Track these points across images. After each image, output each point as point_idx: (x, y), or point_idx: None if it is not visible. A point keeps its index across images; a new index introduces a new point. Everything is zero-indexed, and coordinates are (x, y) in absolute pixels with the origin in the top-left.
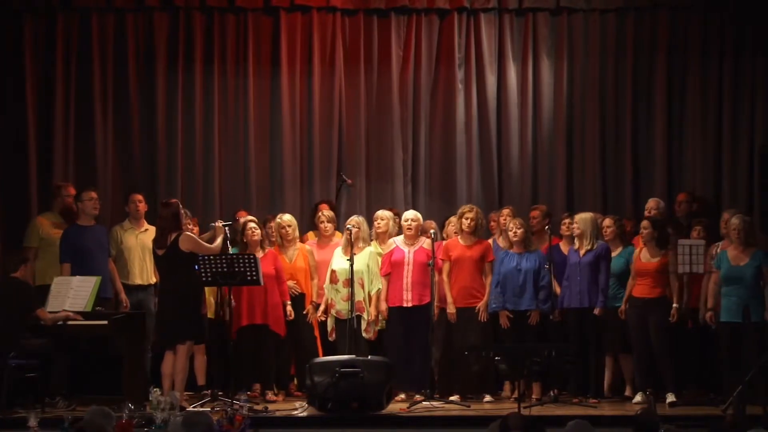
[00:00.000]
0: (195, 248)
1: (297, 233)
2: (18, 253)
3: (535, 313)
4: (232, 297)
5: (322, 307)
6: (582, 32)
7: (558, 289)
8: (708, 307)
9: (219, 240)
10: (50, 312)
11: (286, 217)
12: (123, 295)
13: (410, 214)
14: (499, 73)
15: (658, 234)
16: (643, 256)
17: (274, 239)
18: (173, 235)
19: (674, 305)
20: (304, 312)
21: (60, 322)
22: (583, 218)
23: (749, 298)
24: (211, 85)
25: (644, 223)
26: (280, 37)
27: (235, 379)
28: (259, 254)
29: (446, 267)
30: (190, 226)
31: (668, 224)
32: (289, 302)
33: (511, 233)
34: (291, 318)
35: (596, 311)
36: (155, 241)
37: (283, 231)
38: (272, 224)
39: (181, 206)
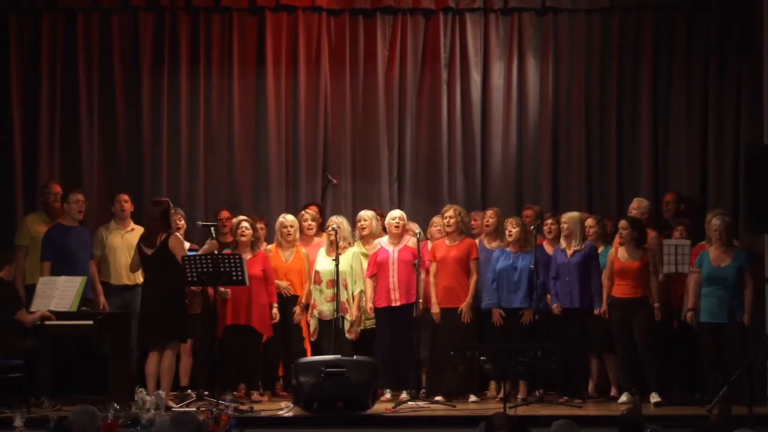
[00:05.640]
0: (181, 251)
1: (298, 235)
2: (2, 253)
3: (528, 312)
4: (217, 296)
5: (311, 312)
6: (567, 32)
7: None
8: (689, 306)
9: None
10: (29, 313)
11: (289, 218)
12: (102, 298)
13: (396, 213)
14: (485, 73)
15: (638, 234)
16: (622, 256)
17: (261, 240)
18: (163, 236)
19: (656, 304)
20: (293, 311)
21: (38, 322)
22: (571, 217)
23: (729, 299)
24: (196, 85)
25: (623, 223)
26: (266, 37)
27: (220, 379)
28: (248, 255)
29: (433, 268)
30: (181, 223)
31: (648, 224)
32: (275, 304)
33: (506, 232)
34: (276, 320)
35: (596, 311)
36: (143, 239)
37: (285, 230)
38: (258, 225)
39: (171, 205)
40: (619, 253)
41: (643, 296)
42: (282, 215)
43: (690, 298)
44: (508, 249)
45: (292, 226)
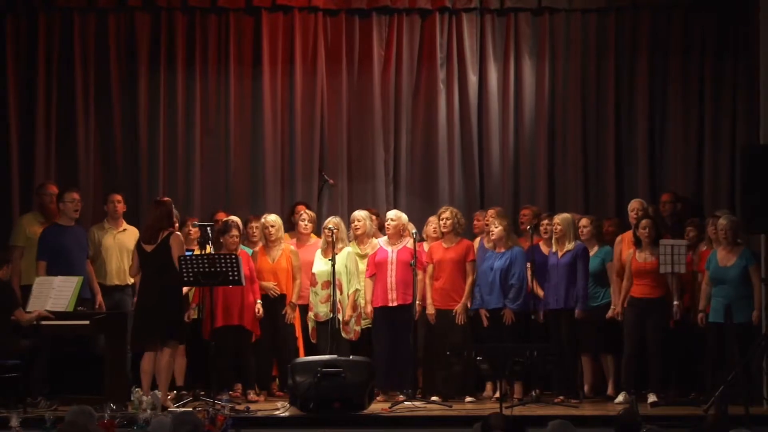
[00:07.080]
0: (179, 250)
1: (281, 233)
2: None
3: (507, 311)
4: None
5: (310, 314)
6: (564, 32)
7: (540, 291)
8: (699, 308)
9: None
10: (27, 312)
11: (271, 218)
12: (99, 297)
13: (391, 214)
14: (481, 73)
15: (656, 234)
16: (640, 256)
17: (256, 239)
18: (165, 233)
19: (675, 302)
20: (283, 312)
21: (34, 322)
22: (564, 219)
23: (735, 298)
24: (192, 85)
25: (646, 222)
26: (262, 37)
27: (216, 379)
28: None
29: (429, 269)
30: (176, 226)
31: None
32: (259, 300)
33: (490, 233)
34: (260, 315)
35: (576, 314)
36: (143, 237)
37: (267, 231)
38: (253, 225)
39: (173, 205)
40: (637, 254)
41: (661, 296)
42: (264, 216)
43: (702, 300)
44: (492, 250)
45: (273, 226)
